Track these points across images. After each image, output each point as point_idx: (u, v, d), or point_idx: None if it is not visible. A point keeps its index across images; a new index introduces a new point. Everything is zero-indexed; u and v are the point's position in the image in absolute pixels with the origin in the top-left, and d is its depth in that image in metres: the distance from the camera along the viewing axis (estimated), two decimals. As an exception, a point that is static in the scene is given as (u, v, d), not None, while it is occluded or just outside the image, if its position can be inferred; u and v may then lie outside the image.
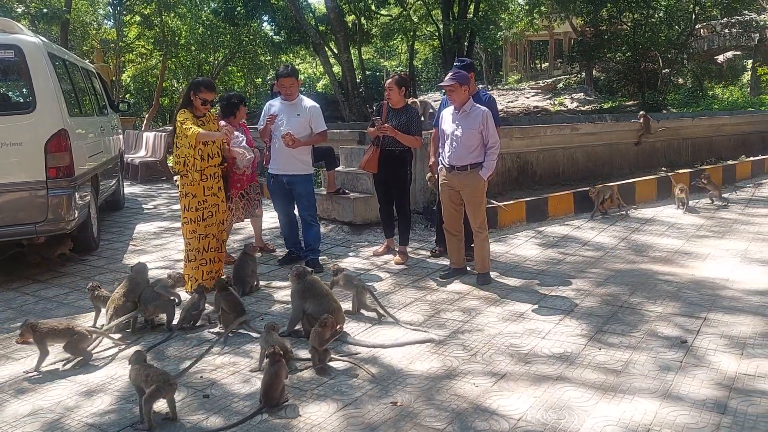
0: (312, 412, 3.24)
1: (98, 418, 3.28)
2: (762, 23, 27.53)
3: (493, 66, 44.08)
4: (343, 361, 3.83)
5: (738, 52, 28.95)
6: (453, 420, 3.11)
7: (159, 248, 7.02)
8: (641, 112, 10.72)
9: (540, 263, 5.98)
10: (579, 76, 33.86)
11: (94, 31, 26.32)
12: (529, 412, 3.16)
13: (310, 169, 6.09)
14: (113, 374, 3.79)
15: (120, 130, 10.57)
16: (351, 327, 4.42)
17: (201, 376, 3.71)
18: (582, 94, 31.93)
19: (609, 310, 4.59)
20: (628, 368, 3.62)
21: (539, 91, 34.42)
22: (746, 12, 29.45)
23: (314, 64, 37.19)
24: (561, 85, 34.50)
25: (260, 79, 29.97)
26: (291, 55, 27.68)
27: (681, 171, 9.49)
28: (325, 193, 7.57)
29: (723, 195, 8.65)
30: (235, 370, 3.80)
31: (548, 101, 30.35)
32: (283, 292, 5.29)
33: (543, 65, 44.17)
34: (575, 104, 29.44)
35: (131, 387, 3.37)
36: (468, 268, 5.63)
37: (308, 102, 5.95)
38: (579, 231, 7.21)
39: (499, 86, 38.99)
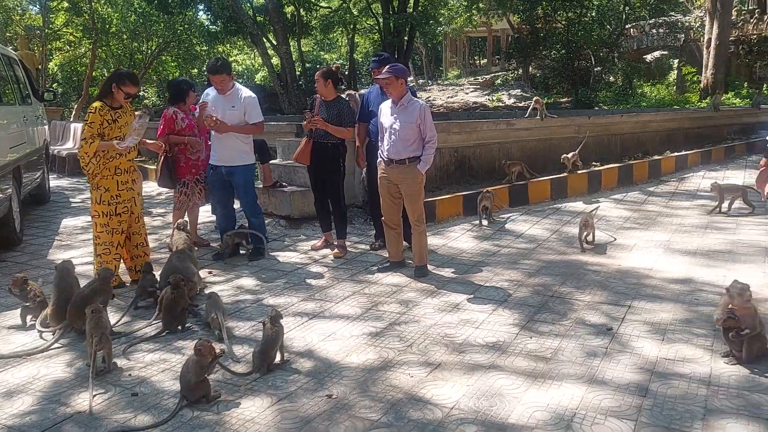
0: (245, 407, 3.20)
1: (18, 419, 3.13)
2: (687, 24, 28.85)
3: (433, 61, 44.50)
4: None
5: (665, 52, 30.21)
6: (388, 411, 3.14)
7: (86, 243, 6.75)
8: (536, 98, 11.12)
9: (476, 255, 6.09)
10: (516, 72, 34.61)
11: (17, 17, 24.96)
12: (462, 400, 3.22)
13: (251, 160, 5.99)
14: (35, 374, 3.63)
15: (45, 121, 10.10)
16: (286, 321, 4.38)
17: (130, 374, 3.60)
18: (519, 90, 32.64)
19: (540, 300, 4.72)
20: (557, 355, 3.73)
21: (478, 86, 34.97)
22: (673, 13, 30.80)
23: (252, 55, 36.56)
24: (499, 81, 35.17)
25: (196, 70, 29.20)
26: (228, 45, 27.12)
27: (611, 165, 9.86)
28: (261, 186, 7.46)
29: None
30: (167, 367, 3.70)
31: (487, 97, 30.89)
32: (218, 287, 5.19)
33: (482, 61, 44.93)
34: (513, 100, 30.07)
35: (55, 386, 3.24)
36: (407, 261, 5.68)
37: (245, 93, 5.83)
38: (513, 224, 7.39)
39: (438, 81, 39.41)
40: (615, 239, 6.04)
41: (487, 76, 37.08)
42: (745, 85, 24.27)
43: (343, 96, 6.39)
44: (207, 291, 5.09)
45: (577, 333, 4.07)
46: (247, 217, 6.11)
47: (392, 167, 5.30)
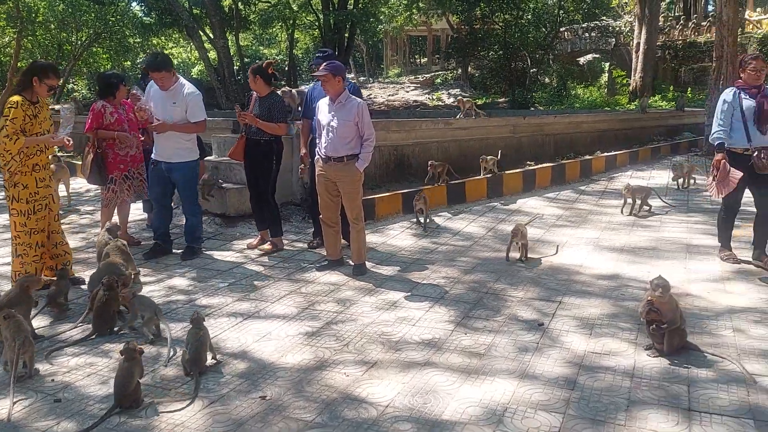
0: (175, 411, 3.11)
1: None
2: (617, 29, 29.97)
3: (374, 59, 44.58)
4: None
5: (597, 55, 31.24)
6: (322, 411, 3.12)
7: (6, 243, 6.42)
8: (459, 98, 11.34)
9: (414, 253, 6.13)
10: (456, 72, 35.11)
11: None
12: (397, 398, 3.24)
13: (191, 157, 5.84)
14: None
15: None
16: (220, 322, 4.30)
17: (53, 380, 3.45)
18: (458, 89, 33.10)
19: (475, 297, 4.80)
20: (490, 351, 3.81)
21: (418, 85, 35.26)
22: (604, 18, 31.94)
23: (189, 48, 35.62)
24: (439, 80, 35.57)
25: (129, 63, 28.23)
26: (163, 38, 26.34)
27: (544, 165, 10.14)
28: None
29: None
30: (93, 371, 3.56)
31: (427, 96, 31.20)
32: (149, 287, 5.04)
33: (422, 60, 45.33)
34: (452, 100, 30.45)
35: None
36: (345, 259, 5.66)
37: (188, 89, 5.66)
38: (451, 221, 7.49)
39: (379, 79, 39.51)
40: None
41: (427, 75, 37.44)
42: (671, 88, 25.42)
43: (279, 92, 6.33)
44: (139, 292, 4.95)
45: (510, 329, 4.16)
46: (184, 215, 5.96)
47: (330, 165, 5.27)
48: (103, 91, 6.16)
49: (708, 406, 3.08)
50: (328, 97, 5.29)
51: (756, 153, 5.18)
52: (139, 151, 6.23)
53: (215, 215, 7.13)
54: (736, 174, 5.24)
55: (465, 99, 10.52)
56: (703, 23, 26.72)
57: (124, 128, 6.03)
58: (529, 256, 5.80)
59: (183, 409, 3.13)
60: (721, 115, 5.40)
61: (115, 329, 4.13)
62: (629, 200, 7.75)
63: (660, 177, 10.46)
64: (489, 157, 8.91)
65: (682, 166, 8.74)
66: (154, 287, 5.07)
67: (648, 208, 7.80)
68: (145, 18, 23.73)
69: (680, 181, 9.27)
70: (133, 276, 4.59)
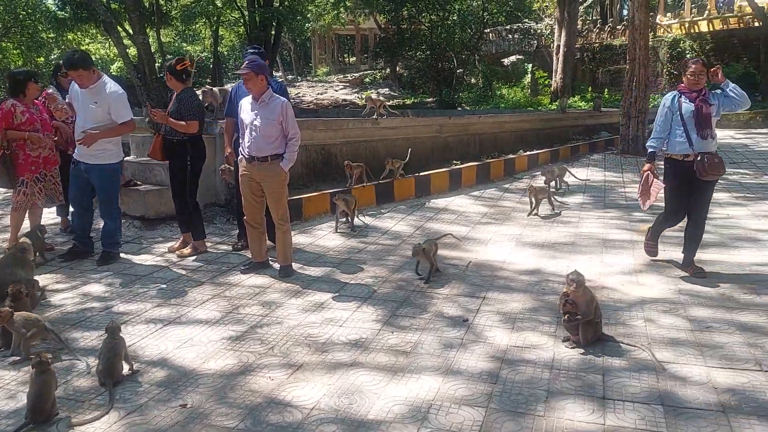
0: (90, 424, 2.97)
1: None
2: (539, 31, 30.97)
3: (302, 57, 44.21)
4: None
5: (521, 56, 32.15)
6: (246, 416, 3.05)
7: None
8: (367, 95, 11.38)
9: (342, 253, 6.11)
10: (384, 71, 35.31)
11: None
12: (322, 400, 3.21)
13: (112, 159, 5.57)
14: None
15: None
16: (139, 329, 4.14)
17: (-47, 398, 3.22)
18: (387, 89, 33.31)
19: (403, 295, 4.84)
20: (416, 349, 3.84)
21: (347, 84, 35.25)
22: (527, 20, 32.93)
23: (107, 44, 34.17)
24: (368, 79, 35.68)
25: (42, 59, 26.78)
26: (79, 33, 25.15)
27: (470, 164, 10.34)
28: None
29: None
30: (0, 385, 3.35)
31: (356, 95, 31.21)
32: (62, 295, 4.79)
33: (351, 59, 45.33)
34: (381, 99, 30.55)
35: None
36: (270, 261, 5.57)
37: (110, 88, 5.40)
38: (380, 221, 7.51)
39: (308, 78, 39.22)
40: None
41: (356, 74, 37.48)
42: (590, 89, 26.50)
43: (200, 91, 6.17)
44: (51, 299, 4.70)
45: (436, 326, 4.21)
46: (102, 218, 5.70)
47: (254, 165, 5.17)
48: (12, 89, 5.84)
49: (621, 394, 3.22)
50: (251, 96, 5.19)
51: (699, 158, 4.97)
52: (54, 153, 5.93)
53: (134, 218, 6.87)
54: (658, 185, 5.24)
55: (375, 97, 10.37)
56: (619, 27, 27.99)
57: (36, 128, 5.72)
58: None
59: (97, 420, 2.99)
60: (660, 121, 5.24)
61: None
62: (533, 200, 7.79)
63: (579, 175, 10.86)
64: (394, 160, 8.60)
65: (553, 171, 8.93)
66: (67, 294, 4.83)
67: (551, 208, 7.91)
68: (59, 12, 22.56)
69: (552, 183, 9.31)
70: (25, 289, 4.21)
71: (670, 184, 5.25)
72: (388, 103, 27.12)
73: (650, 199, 5.35)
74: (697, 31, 26.12)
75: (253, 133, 5.10)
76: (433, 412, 3.08)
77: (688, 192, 5.17)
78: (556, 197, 8.35)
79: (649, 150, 5.35)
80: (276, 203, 5.28)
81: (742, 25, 24.97)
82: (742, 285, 4.88)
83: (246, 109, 5.20)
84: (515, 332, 4.08)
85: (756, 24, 23.37)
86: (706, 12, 26.71)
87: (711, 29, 25.81)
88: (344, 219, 7.01)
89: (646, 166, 5.36)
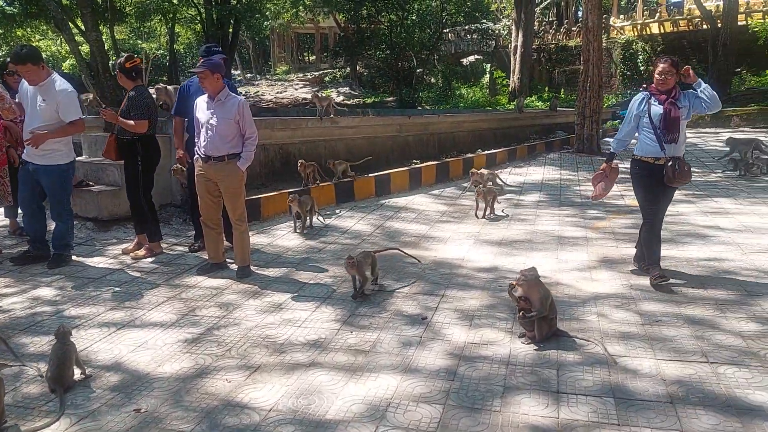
0: (40, 431, 2.89)
1: None
2: (497, 32, 31.39)
3: (261, 56, 43.79)
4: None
5: (479, 57, 32.55)
6: (201, 420, 3.01)
7: None
8: (313, 93, 11.26)
9: (301, 253, 6.08)
10: (344, 70, 35.25)
11: None
12: (280, 401, 3.19)
13: (62, 160, 5.39)
14: None
15: None
16: (91, 333, 4.04)
17: None
18: (348, 88, 33.29)
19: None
20: (375, 347, 3.85)
21: (307, 83, 35.09)
22: (485, 21, 33.33)
23: (59, 41, 33.20)
24: (328, 78, 35.57)
25: (-11, 55, 25.87)
26: (29, 29, 24.34)
27: (429, 163, 10.41)
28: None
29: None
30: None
31: (324, 94, 31.12)
32: (10, 299, 4.64)
33: (311, 58, 45.10)
34: (341, 98, 30.56)
35: None
36: (228, 262, 5.51)
37: (60, 85, 5.23)
38: (340, 220, 7.50)
39: (267, 76, 38.86)
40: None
41: (316, 73, 37.33)
42: (546, 89, 27.00)
43: (153, 89, 6.05)
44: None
45: (394, 324, 4.22)
46: (53, 220, 5.54)
47: (210, 164, 5.10)
48: None
49: (575, 388, 3.29)
50: (206, 95, 5.12)
51: (670, 163, 4.79)
52: (2, 153, 5.73)
53: (87, 219, 6.69)
54: (602, 188, 5.23)
55: (322, 95, 10.19)
56: (574, 28, 28.60)
57: None
58: (410, 252, 5.86)
59: (47, 427, 2.91)
60: (626, 124, 5.07)
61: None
62: (481, 203, 7.65)
63: (536, 173, 11.07)
64: (337, 161, 8.39)
65: (482, 175, 8.91)
66: (16, 299, 4.69)
67: (494, 210, 7.74)
68: (7, 8, 21.79)
69: (480, 187, 9.24)
70: None
71: (641, 186, 5.02)
72: (349, 102, 27.13)
73: (595, 192, 5.34)
74: (648, 33, 26.89)
75: (209, 132, 5.04)
76: (391, 411, 3.09)
77: (662, 193, 4.96)
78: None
79: (611, 150, 5.23)
80: (233, 203, 5.23)
81: (691, 27, 25.82)
82: (691, 280, 5.04)
83: (202, 108, 5.13)
84: (473, 329, 4.13)
85: (704, 26, 24.19)
86: (657, 15, 27.52)
87: (662, 31, 26.62)
88: (298, 221, 6.92)
89: (603, 166, 5.27)
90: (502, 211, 7.92)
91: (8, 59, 5.06)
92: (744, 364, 3.50)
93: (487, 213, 7.65)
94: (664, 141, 4.78)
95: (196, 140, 5.24)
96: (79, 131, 5.53)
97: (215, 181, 5.16)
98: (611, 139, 5.25)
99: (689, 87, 4.84)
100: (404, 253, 5.78)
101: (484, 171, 9.13)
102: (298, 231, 6.85)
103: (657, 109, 4.82)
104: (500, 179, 9.47)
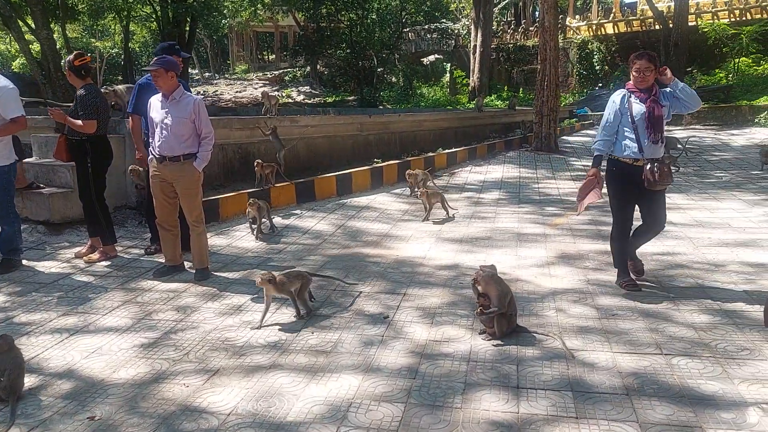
0: (-14, 444, 2.78)
1: None
2: (456, 31, 31.64)
3: (220, 55, 43.19)
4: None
5: (440, 56, 32.77)
6: (158, 426, 2.94)
7: None
8: (263, 91, 11.05)
9: (262, 253, 6.01)
10: (304, 69, 35.04)
11: None
12: (240, 404, 3.14)
13: (2, 161, 5.20)
14: None
15: None
16: (42, 340, 3.91)
17: None
18: (308, 87, 33.10)
19: (323, 294, 4.81)
20: (336, 348, 3.82)
21: (267, 82, 34.76)
22: (444, 20, 33.58)
23: (8, 39, 32.11)
24: (288, 77, 35.30)
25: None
26: (-25, 26, 23.47)
27: (391, 162, 10.42)
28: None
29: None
30: None
31: (276, 93, 30.82)
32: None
33: (270, 57, 44.68)
34: (302, 97, 30.38)
35: None
36: (185, 264, 5.40)
37: None
38: (300, 220, 7.44)
39: (226, 75, 38.37)
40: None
41: (276, 72, 37.02)
42: (506, 88, 27.35)
43: (104, 90, 5.89)
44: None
45: (356, 324, 4.20)
46: None
47: (165, 165, 4.99)
48: None
49: (534, 383, 3.33)
50: (160, 94, 5.01)
51: (648, 166, 4.49)
52: None
53: (37, 222, 6.47)
54: (597, 195, 4.75)
55: (271, 94, 9.95)
56: (531, 28, 29.04)
57: None
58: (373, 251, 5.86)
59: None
60: (607, 121, 4.67)
61: None
62: (427, 205, 7.47)
63: (496, 172, 11.20)
64: (266, 164, 7.81)
65: (416, 176, 8.88)
66: (-38, 306, 4.50)
67: (447, 214, 7.48)
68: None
69: (414, 189, 8.81)
70: None
71: (616, 188, 4.72)
72: (310, 101, 26.98)
73: (584, 202, 4.82)
74: (603, 33, 27.50)
75: (164, 132, 4.93)
76: (353, 411, 3.07)
77: (636, 197, 4.69)
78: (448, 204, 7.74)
79: (595, 153, 4.77)
80: (190, 204, 5.13)
81: (644, 27, 26.50)
82: (645, 274, 5.16)
83: (156, 107, 5.01)
84: (434, 327, 4.14)
85: (656, 27, 24.86)
86: (612, 15, 28.14)
87: (616, 31, 27.25)
88: (253, 226, 6.63)
89: (591, 171, 4.77)
90: (450, 214, 7.61)
91: None
92: (696, 355, 3.60)
93: (448, 214, 7.53)
94: (650, 141, 4.50)
95: (150, 140, 5.13)
96: (21, 129, 5.29)
97: (171, 181, 5.06)
98: (593, 144, 4.80)
99: (664, 86, 4.62)
100: (343, 282, 5.05)
101: (419, 172, 8.69)
102: (255, 235, 6.60)
103: (639, 107, 4.53)
104: (432, 181, 8.89)
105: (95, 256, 5.65)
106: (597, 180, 4.74)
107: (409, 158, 11.05)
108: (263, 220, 6.65)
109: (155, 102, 5.04)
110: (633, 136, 4.54)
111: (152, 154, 5.07)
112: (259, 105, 24.68)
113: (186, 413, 3.06)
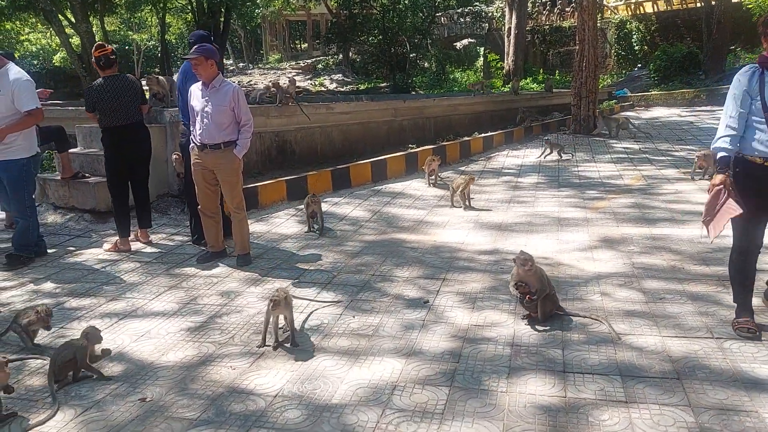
0: (45, 423, 2.87)
1: None
2: (490, 14, 31.17)
3: (253, 45, 43.45)
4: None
5: (473, 40, 32.32)
6: (208, 407, 3.00)
7: None
8: (279, 80, 10.65)
9: (300, 240, 6.05)
10: (336, 57, 35.02)
11: None
12: (285, 386, 3.18)
13: (21, 153, 5.17)
14: None
15: None
16: (93, 324, 4.01)
17: None
18: (341, 75, 33.08)
19: (362, 279, 4.82)
20: (378, 332, 3.83)
21: (300, 71, 34.84)
22: (477, 3, 33.10)
23: (49, 34, 32.87)
24: (321, 65, 35.33)
25: (-22, 49, 25.57)
26: (18, 22, 24.08)
27: (425, 147, 10.36)
28: (59, 178, 6.74)
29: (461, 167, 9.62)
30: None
31: (309, 81, 30.91)
32: (9, 292, 4.60)
33: (303, 45, 44.76)
34: (335, 85, 30.39)
35: None
36: (228, 250, 5.48)
37: (14, 75, 5.00)
38: (337, 207, 7.46)
39: (259, 65, 38.61)
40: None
41: (308, 61, 37.08)
42: (541, 71, 26.86)
43: (144, 79, 5.99)
44: (-4, 299, 4.52)
45: (396, 308, 4.21)
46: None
47: (206, 152, 5.06)
48: None
49: (581, 367, 3.28)
50: (200, 82, 5.06)
51: None
52: None
53: (84, 211, 6.64)
54: (733, 208, 3.44)
55: (281, 84, 9.35)
56: (567, 9, 28.40)
57: None
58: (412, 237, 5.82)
59: (50, 419, 2.90)
60: (734, 109, 3.49)
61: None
62: (458, 195, 7.17)
63: (533, 155, 11.03)
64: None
65: (433, 162, 8.41)
66: (15, 292, 4.66)
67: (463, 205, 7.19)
68: (-6, 0, 21.54)
69: (431, 177, 8.68)
70: None
71: (743, 197, 3.46)
72: (342, 89, 26.95)
73: (719, 226, 3.52)
74: (642, 12, 26.74)
75: (205, 120, 4.99)
76: (397, 394, 3.08)
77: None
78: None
79: (720, 154, 3.54)
80: (231, 191, 5.19)
81: (684, 5, 25.67)
82: (692, 257, 5.03)
83: (196, 95, 5.07)
84: (475, 311, 4.12)
85: (698, 4, 24.06)
86: (651, -7, 27.33)
87: (656, 10, 26.46)
88: (314, 223, 6.40)
89: (718, 179, 3.50)
90: (468, 203, 7.26)
91: None
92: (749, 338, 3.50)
93: (464, 203, 7.16)
94: None
95: (191, 129, 5.19)
96: (37, 122, 5.25)
97: (212, 169, 5.12)
98: (715, 142, 3.58)
99: None
100: (321, 302, 4.40)
101: (461, 178, 7.44)
102: (314, 231, 6.29)
103: None
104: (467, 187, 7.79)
105: (108, 246, 5.72)
106: (727, 189, 3.47)
107: (444, 143, 10.96)
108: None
109: (196, 90, 5.09)
110: (764, 127, 3.40)
111: (193, 142, 5.14)
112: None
113: (234, 395, 3.11)
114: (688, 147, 11.14)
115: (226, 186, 5.17)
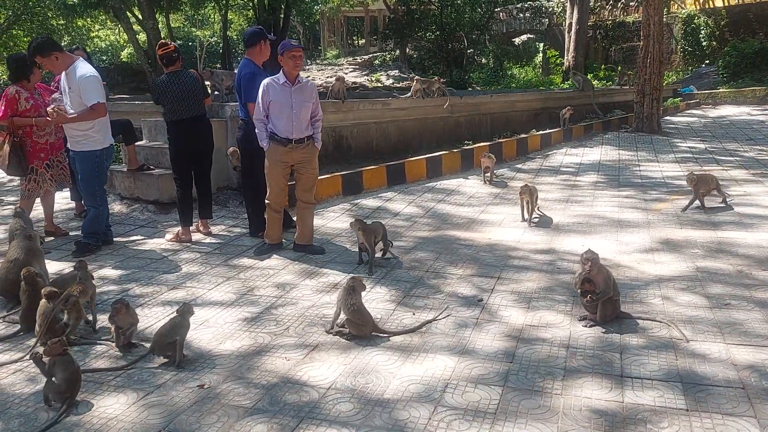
0: (108, 405, 3.00)
1: None
2: (550, 9, 30.54)
3: (312, 41, 43.98)
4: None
5: (532, 36, 31.74)
6: (262, 396, 3.07)
7: None
8: (335, 76, 10.53)
9: (354, 234, 6.08)
10: (393, 53, 35.04)
11: None
12: (338, 379, 3.22)
13: (94, 145, 5.37)
14: None
15: None
16: (154, 311, 4.16)
17: (-25, 380, 3.26)
18: (397, 70, 33.06)
19: (416, 276, 4.82)
20: (431, 329, 3.83)
21: (357, 66, 35.04)
22: (537, -1, 32.46)
23: (117, 30, 34.15)
24: (377, 61, 35.43)
25: (53, 45, 26.79)
26: (89, 19, 25.12)
27: (482, 144, 10.25)
28: (126, 170, 7.01)
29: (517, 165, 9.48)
30: (18, 368, 3.39)
31: (366, 77, 31.03)
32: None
33: (360, 41, 45.01)
34: (391, 81, 30.41)
35: None
36: (285, 243, 5.58)
37: (81, 71, 5.17)
38: (390, 203, 7.48)
39: (317, 61, 39.03)
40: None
41: (365, 56, 37.23)
42: (602, 67, 26.14)
43: (206, 73, 6.18)
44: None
45: (450, 306, 4.19)
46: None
47: (292, 147, 5.13)
48: (15, 74, 5.79)
49: (639, 372, 3.19)
50: (280, 78, 5.08)
51: None
52: (59, 138, 5.90)
53: (148, 202, 6.89)
54: None
55: (335, 80, 9.17)
56: (632, 3, 27.54)
57: (41, 114, 5.67)
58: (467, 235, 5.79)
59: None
60: None
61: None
62: (526, 201, 6.40)
63: (593, 153, 10.77)
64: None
65: (491, 158, 8.26)
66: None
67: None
68: (67, -1, 22.52)
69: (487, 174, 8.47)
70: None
71: None
72: (399, 85, 26.96)
73: None
74: (711, 6, 25.68)
75: (293, 115, 5.07)
76: (449, 392, 3.07)
77: None
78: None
79: None
80: (312, 183, 5.40)
81: (758, -1, 24.48)
82: (761, 262, 4.81)
83: (275, 90, 5.06)
84: (530, 311, 4.06)
85: (773, -2, 22.91)
86: (722, -14, 26.19)
87: (726, 4, 25.37)
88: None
89: None
90: (538, 209, 6.70)
91: (34, 53, 5.12)
92: (822, 350, 3.33)
93: (534, 215, 6.51)
94: None
95: (271, 124, 5.14)
96: (100, 116, 5.30)
97: (294, 164, 5.26)
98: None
99: None
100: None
101: (529, 186, 6.51)
102: (364, 266, 5.10)
103: None
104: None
105: (170, 237, 5.90)
106: None
107: (500, 140, 10.81)
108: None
109: (273, 85, 5.07)
110: None
111: (274, 138, 5.13)
112: (349, 90, 25.00)
113: (288, 385, 3.17)
114: (758, 147, 10.64)
115: (310, 178, 5.36)
